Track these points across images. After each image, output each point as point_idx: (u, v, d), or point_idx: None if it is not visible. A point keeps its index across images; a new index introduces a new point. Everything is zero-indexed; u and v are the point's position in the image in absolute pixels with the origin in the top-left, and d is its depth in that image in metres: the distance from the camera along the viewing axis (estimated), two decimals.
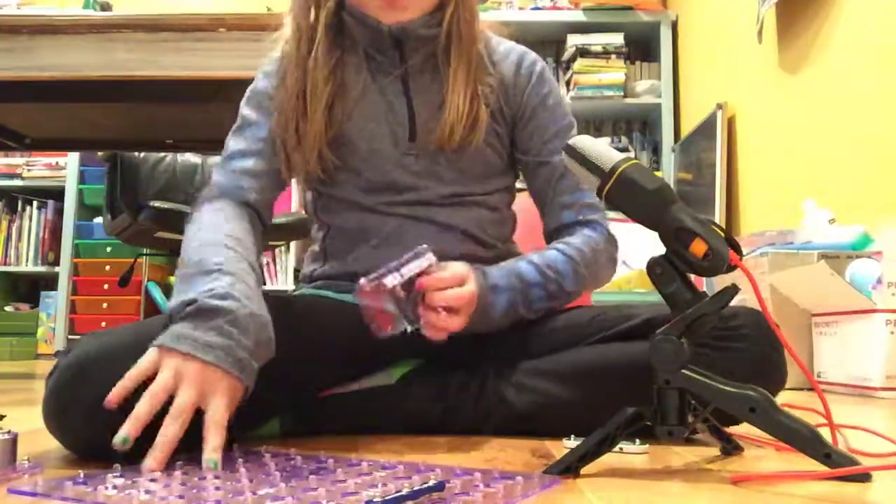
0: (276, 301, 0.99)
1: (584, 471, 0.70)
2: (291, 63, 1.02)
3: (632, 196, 0.72)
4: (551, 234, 1.09)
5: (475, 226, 1.05)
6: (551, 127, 1.08)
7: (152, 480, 0.62)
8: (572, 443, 0.86)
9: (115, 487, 0.59)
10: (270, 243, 3.36)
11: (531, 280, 0.98)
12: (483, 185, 1.07)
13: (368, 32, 1.02)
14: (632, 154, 3.78)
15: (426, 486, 0.57)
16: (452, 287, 0.86)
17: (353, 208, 1.06)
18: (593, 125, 3.97)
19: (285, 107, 1.02)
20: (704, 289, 1.73)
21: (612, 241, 1.08)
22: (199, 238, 0.89)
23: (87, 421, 0.75)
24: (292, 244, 3.79)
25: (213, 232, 0.90)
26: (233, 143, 1.05)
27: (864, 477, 0.65)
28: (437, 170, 1.04)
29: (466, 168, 1.05)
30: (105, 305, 3.83)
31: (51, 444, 0.83)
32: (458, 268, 0.88)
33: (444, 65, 1.03)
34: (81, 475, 0.62)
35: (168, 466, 0.67)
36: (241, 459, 0.72)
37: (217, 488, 0.59)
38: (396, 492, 0.55)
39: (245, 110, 1.06)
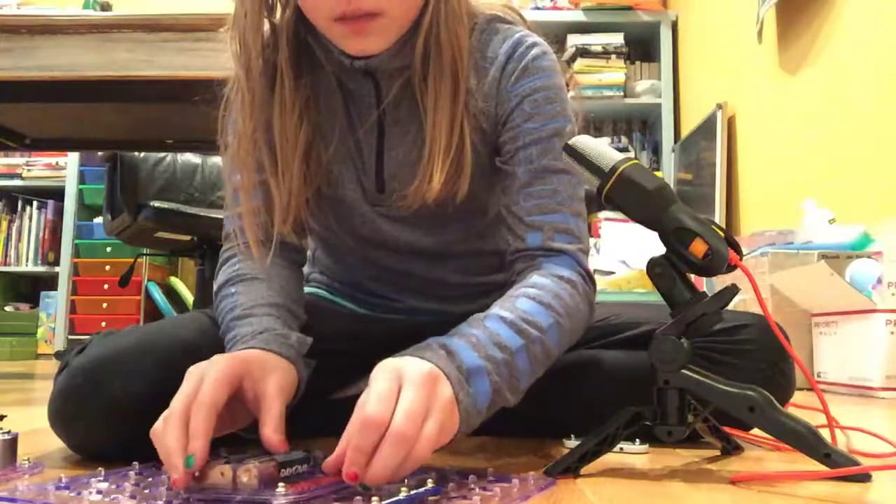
0: None
1: (584, 471, 0.70)
2: (246, 108, 0.83)
3: (632, 196, 0.72)
4: (511, 261, 0.85)
5: (465, 272, 0.96)
6: (528, 132, 0.84)
7: (136, 485, 0.61)
8: (572, 443, 0.86)
9: (99, 492, 0.58)
10: None
11: (513, 347, 0.70)
12: (479, 224, 0.93)
13: (334, 62, 0.85)
14: (632, 154, 3.78)
15: (423, 490, 0.57)
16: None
17: (331, 243, 1.01)
18: (593, 125, 3.96)
19: (244, 165, 0.84)
20: (704, 289, 1.73)
21: (589, 281, 0.84)
22: (220, 315, 0.83)
23: (96, 424, 0.75)
24: None
25: (230, 301, 0.83)
26: (232, 176, 0.88)
27: (863, 477, 0.65)
28: (416, 222, 0.90)
29: (455, 216, 0.89)
30: (105, 305, 3.84)
31: (51, 444, 0.83)
32: (380, 389, 0.59)
33: (422, 94, 0.83)
34: (63, 479, 0.61)
35: (154, 469, 0.66)
36: None
37: (209, 490, 0.58)
38: (393, 496, 0.55)
39: (230, 137, 0.89)
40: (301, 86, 0.85)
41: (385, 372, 0.61)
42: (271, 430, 0.64)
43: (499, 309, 0.74)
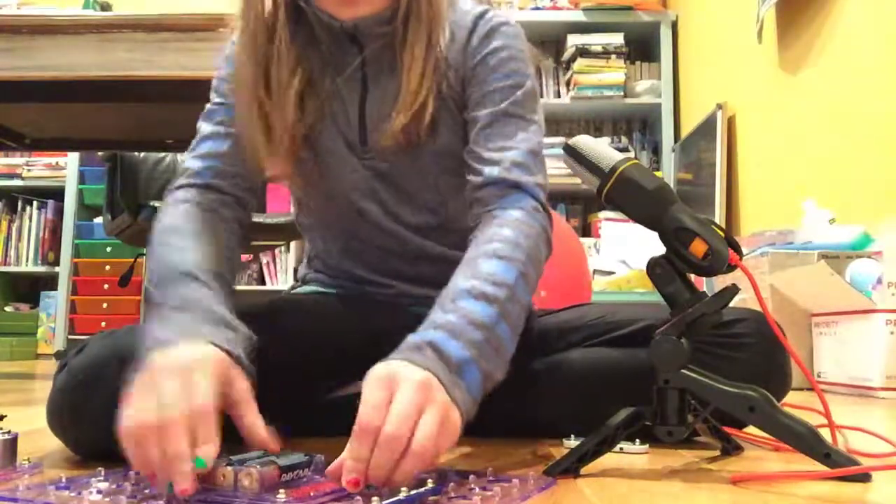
0: (271, 305, 1.00)
1: (584, 471, 0.70)
2: (249, 60, 0.92)
3: (632, 196, 0.72)
4: (472, 199, 0.89)
5: (450, 245, 0.97)
6: (491, 83, 0.92)
7: (136, 484, 0.61)
8: (572, 443, 0.86)
9: (99, 492, 0.58)
10: (270, 243, 3.36)
11: (489, 322, 0.71)
12: (457, 185, 0.94)
13: (323, 26, 0.94)
14: (632, 154, 3.78)
15: (423, 490, 0.57)
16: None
17: (323, 224, 1.04)
18: (593, 125, 3.97)
19: (245, 108, 0.92)
20: (704, 289, 1.73)
21: (545, 216, 0.86)
22: (165, 260, 0.81)
23: (96, 423, 0.74)
24: (292, 244, 3.79)
25: (178, 252, 0.81)
26: (205, 126, 0.96)
27: (864, 477, 0.65)
28: (397, 178, 0.96)
29: (433, 172, 0.96)
30: (105, 305, 3.83)
31: (51, 444, 0.83)
32: (373, 399, 0.60)
33: (400, 51, 0.92)
34: (63, 479, 0.61)
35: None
36: None
37: (210, 490, 0.58)
38: (393, 496, 0.55)
39: (215, 95, 0.98)
40: (294, 44, 0.92)
41: (377, 380, 0.61)
42: (254, 421, 0.63)
43: (464, 280, 0.75)
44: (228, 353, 0.67)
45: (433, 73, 0.91)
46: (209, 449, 0.58)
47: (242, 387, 0.66)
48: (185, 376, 0.62)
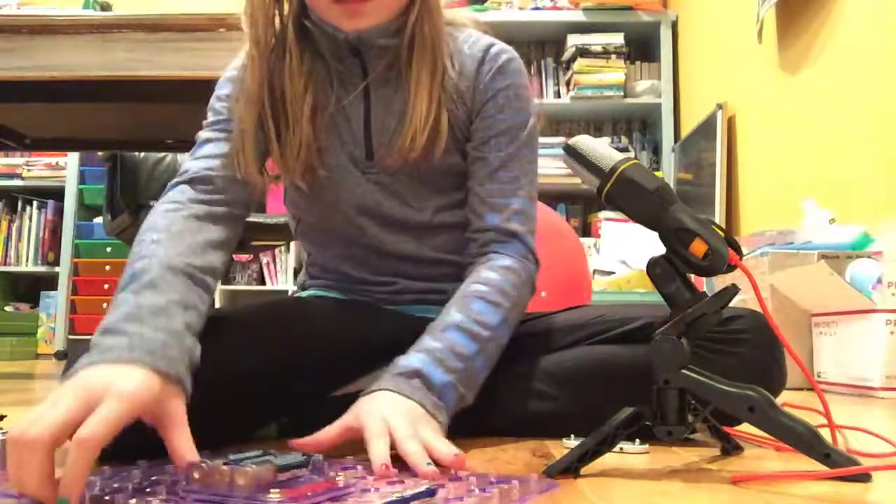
0: (270, 306, 1.00)
1: (584, 471, 0.70)
2: (259, 77, 0.93)
3: (632, 196, 0.72)
4: (471, 237, 0.97)
5: (449, 251, 1.00)
6: (499, 122, 0.97)
7: (138, 483, 0.60)
8: (572, 443, 0.86)
9: (101, 491, 0.57)
10: (270, 243, 3.36)
11: (469, 353, 0.82)
12: (456, 196, 1.00)
13: (327, 40, 0.95)
14: (632, 154, 3.79)
15: (421, 490, 0.57)
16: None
17: (323, 233, 1.04)
18: (593, 125, 3.97)
19: (264, 121, 0.94)
20: (704, 289, 1.73)
21: (532, 263, 0.96)
22: (134, 259, 0.81)
23: None
24: (292, 244, 3.79)
25: (150, 247, 0.81)
26: (203, 133, 0.96)
27: (864, 477, 0.65)
28: (400, 189, 0.98)
29: (434, 183, 0.99)
30: (105, 305, 3.82)
31: None
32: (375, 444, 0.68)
33: (406, 72, 0.95)
34: None
35: (154, 467, 0.66)
36: None
37: (205, 491, 0.57)
38: (391, 496, 0.55)
39: (212, 114, 0.98)
40: (303, 61, 0.96)
41: (374, 419, 0.71)
42: (182, 446, 0.62)
43: (455, 313, 0.85)
44: (166, 374, 0.65)
45: (440, 96, 0.94)
46: (75, 489, 0.53)
47: (173, 409, 0.64)
48: (89, 400, 0.58)
